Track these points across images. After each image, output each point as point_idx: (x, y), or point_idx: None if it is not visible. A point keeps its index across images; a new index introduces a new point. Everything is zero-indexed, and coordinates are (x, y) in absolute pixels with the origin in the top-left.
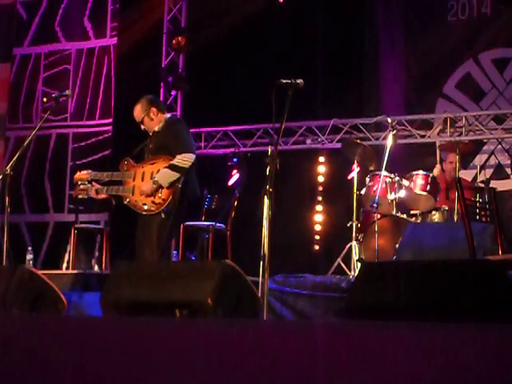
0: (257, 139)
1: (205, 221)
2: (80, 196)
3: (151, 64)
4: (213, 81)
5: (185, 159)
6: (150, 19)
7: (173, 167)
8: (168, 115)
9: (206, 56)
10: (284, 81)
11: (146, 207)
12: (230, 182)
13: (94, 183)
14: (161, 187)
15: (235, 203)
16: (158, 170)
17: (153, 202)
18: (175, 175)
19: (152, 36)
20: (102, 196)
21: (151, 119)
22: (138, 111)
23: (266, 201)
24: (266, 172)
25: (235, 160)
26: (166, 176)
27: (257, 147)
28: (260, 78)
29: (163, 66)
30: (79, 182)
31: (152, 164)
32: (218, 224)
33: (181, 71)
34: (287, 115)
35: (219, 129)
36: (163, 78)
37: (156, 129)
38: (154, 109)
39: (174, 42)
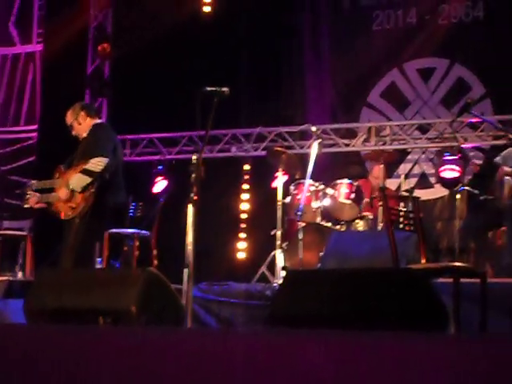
0: (182, 147)
1: (129, 228)
2: (27, 206)
3: (77, 70)
4: (138, 88)
5: (97, 163)
6: (76, 25)
7: (85, 171)
8: (97, 121)
9: (132, 63)
10: (209, 89)
11: (65, 213)
12: (155, 190)
13: (33, 192)
14: (74, 192)
15: (160, 211)
16: None
17: (70, 208)
18: (87, 179)
19: (78, 42)
20: (39, 205)
21: (79, 124)
22: (69, 116)
23: (191, 208)
24: (190, 180)
25: (160, 167)
26: (78, 181)
27: (182, 155)
28: (186, 85)
29: (89, 72)
30: (28, 193)
31: (75, 170)
32: (142, 231)
33: (106, 78)
34: (212, 123)
35: (144, 136)
36: (88, 85)
37: (84, 134)
38: (82, 113)
39: (99, 48)
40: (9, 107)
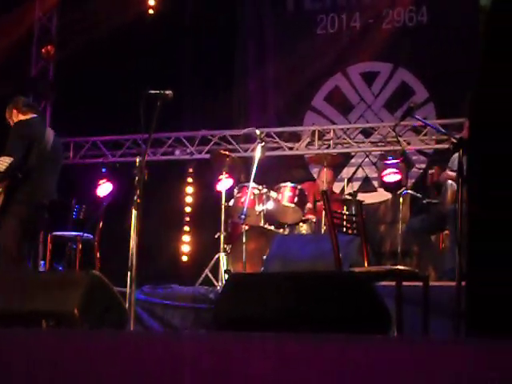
0: (126, 149)
1: (72, 231)
2: None
3: (20, 72)
4: (82, 90)
5: (1, 162)
6: (20, 27)
7: None
8: (27, 117)
9: (76, 65)
10: (153, 91)
11: None
12: (99, 193)
13: None
14: None
15: (103, 213)
16: None
17: None
18: None
19: (22, 44)
20: None
21: (12, 121)
22: (6, 112)
23: (134, 212)
24: (134, 182)
25: (104, 170)
26: None
27: (126, 157)
28: (129, 88)
29: (33, 74)
30: None
31: None
32: (85, 234)
33: (50, 80)
34: (156, 126)
35: (88, 139)
36: (31, 87)
37: None
38: (14, 111)
39: (43, 50)
40: None
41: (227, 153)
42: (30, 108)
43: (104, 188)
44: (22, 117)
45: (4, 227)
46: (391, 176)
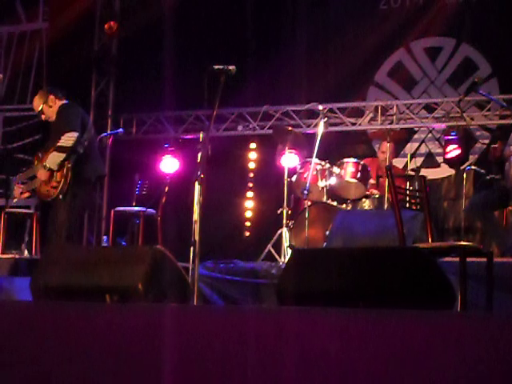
0: (188, 125)
1: (136, 206)
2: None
3: (84, 48)
4: (145, 66)
5: (68, 138)
6: (82, 3)
7: (58, 148)
8: (63, 102)
9: (138, 41)
10: (216, 67)
11: (48, 193)
12: (161, 168)
13: (17, 184)
14: (52, 170)
15: (166, 189)
16: None
17: (52, 187)
18: (61, 156)
19: (84, 20)
20: (26, 194)
21: (50, 106)
22: (37, 101)
23: (197, 187)
24: (197, 158)
25: (166, 145)
26: (53, 159)
27: (189, 133)
28: (192, 63)
29: (95, 50)
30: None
31: (50, 152)
32: (149, 210)
33: (113, 56)
34: (219, 101)
35: (151, 114)
36: (95, 63)
37: (54, 117)
38: (52, 96)
39: (106, 26)
40: (15, 85)
41: (290, 128)
42: (63, 94)
43: (167, 163)
44: (61, 102)
45: (72, 201)
46: (454, 151)
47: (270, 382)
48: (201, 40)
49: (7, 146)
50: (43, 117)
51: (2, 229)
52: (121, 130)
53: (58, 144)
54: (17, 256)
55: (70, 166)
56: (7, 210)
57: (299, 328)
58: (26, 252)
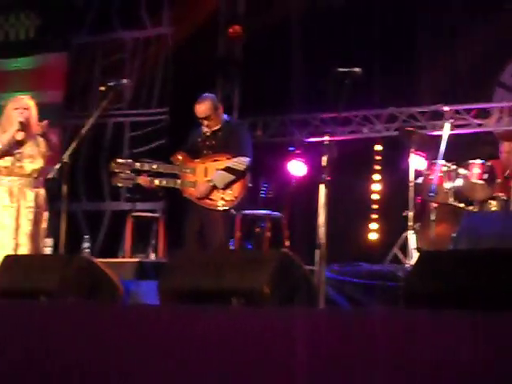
0: (313, 128)
1: (261, 209)
2: (120, 184)
3: (208, 52)
4: (269, 69)
5: (241, 162)
6: (206, 7)
7: (228, 170)
8: (225, 116)
9: (262, 45)
10: (341, 69)
11: (219, 203)
12: (287, 171)
13: (142, 174)
14: (215, 188)
15: (292, 192)
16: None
17: (222, 199)
18: (230, 177)
19: (208, 24)
20: (153, 186)
21: (217, 117)
22: (207, 108)
23: (323, 189)
24: (322, 161)
25: (292, 149)
26: (222, 178)
27: (314, 136)
28: (318, 66)
29: (220, 54)
30: (117, 171)
31: (214, 161)
32: (274, 213)
33: (237, 60)
34: (344, 104)
35: (276, 117)
36: (219, 67)
37: (216, 128)
38: (220, 107)
39: (230, 30)
40: (141, 90)
41: (415, 130)
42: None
43: (292, 166)
44: (223, 116)
45: (231, 218)
46: None
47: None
48: (326, 42)
49: (132, 151)
50: (205, 123)
51: (129, 232)
52: None
53: (229, 165)
54: (143, 259)
55: (248, 184)
56: (133, 214)
57: (429, 331)
58: (152, 255)
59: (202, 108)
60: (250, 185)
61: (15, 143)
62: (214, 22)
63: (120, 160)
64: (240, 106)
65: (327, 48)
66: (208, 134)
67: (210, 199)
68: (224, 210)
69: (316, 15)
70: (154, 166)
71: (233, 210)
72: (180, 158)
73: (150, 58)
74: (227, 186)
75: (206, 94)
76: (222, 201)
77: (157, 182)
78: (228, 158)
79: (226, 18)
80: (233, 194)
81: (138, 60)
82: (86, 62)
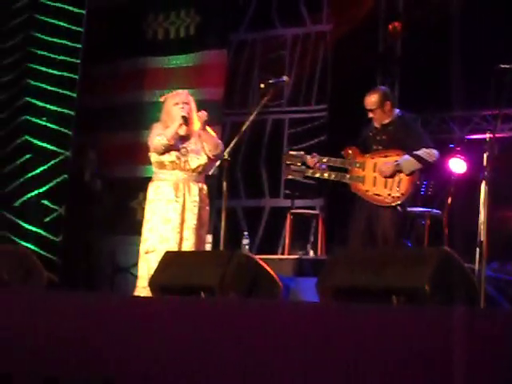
0: (474, 125)
1: (421, 207)
2: (291, 177)
3: (367, 49)
4: (429, 66)
5: (432, 154)
6: (365, 4)
7: (417, 157)
8: (398, 111)
9: (421, 41)
10: (503, 66)
11: (387, 200)
12: (447, 168)
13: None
14: (399, 172)
15: (452, 189)
16: None
17: (389, 195)
18: (417, 165)
19: (368, 21)
20: (324, 177)
21: (383, 112)
22: (373, 101)
23: (484, 187)
24: (483, 158)
25: (452, 146)
26: (410, 163)
27: (474, 133)
28: (479, 62)
29: (380, 51)
30: (288, 163)
31: (385, 157)
32: (434, 210)
33: (398, 57)
34: (505, 100)
35: (436, 114)
36: (379, 64)
37: (385, 122)
38: (388, 103)
39: (390, 27)
40: (300, 87)
41: None
42: (396, 101)
43: (453, 164)
44: (394, 109)
45: (403, 214)
46: None
47: None
48: (488, 38)
49: (292, 148)
50: (371, 115)
51: (288, 229)
52: None
53: (419, 154)
54: (302, 256)
55: (418, 183)
56: (293, 211)
57: None
58: (311, 252)
59: (368, 100)
60: (418, 182)
61: (179, 138)
62: (374, 18)
63: (292, 152)
64: (400, 102)
65: (488, 43)
66: (378, 127)
67: (378, 195)
68: (392, 207)
69: (478, 11)
70: (324, 160)
71: (399, 208)
72: (350, 152)
73: (309, 55)
74: (411, 173)
75: (379, 87)
76: (389, 197)
77: (326, 175)
78: (398, 155)
79: (385, 14)
80: (400, 190)
81: (298, 57)
82: (245, 59)
